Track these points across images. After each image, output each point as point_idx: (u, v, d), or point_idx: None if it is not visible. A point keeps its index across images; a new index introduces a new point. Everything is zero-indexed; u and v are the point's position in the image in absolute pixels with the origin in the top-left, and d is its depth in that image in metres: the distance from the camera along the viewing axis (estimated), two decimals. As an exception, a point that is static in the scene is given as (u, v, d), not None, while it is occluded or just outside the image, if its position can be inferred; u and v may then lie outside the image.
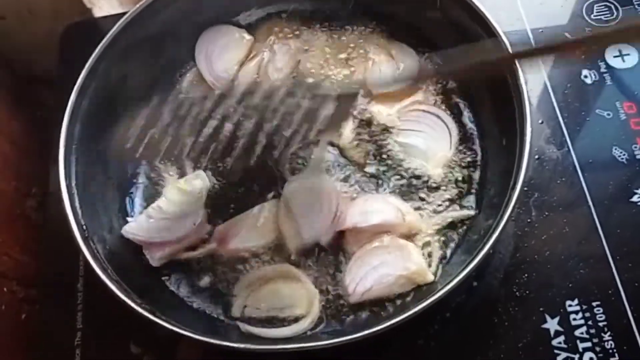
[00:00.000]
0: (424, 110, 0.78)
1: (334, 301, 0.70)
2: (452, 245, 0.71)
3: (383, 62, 0.82)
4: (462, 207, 0.73)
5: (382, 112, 0.78)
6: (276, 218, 0.73)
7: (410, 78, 0.72)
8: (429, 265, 0.69)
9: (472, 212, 0.71)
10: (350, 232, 0.72)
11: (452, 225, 0.72)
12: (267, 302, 0.70)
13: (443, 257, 0.70)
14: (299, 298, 0.69)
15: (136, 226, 0.72)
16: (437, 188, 0.74)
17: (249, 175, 0.76)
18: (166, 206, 0.73)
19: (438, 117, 0.77)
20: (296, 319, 0.68)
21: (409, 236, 0.71)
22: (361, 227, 0.70)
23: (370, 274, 0.68)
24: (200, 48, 0.85)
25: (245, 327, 0.68)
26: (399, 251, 0.69)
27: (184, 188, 0.75)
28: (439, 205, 0.73)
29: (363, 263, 0.69)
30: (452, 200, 0.73)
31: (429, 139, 0.76)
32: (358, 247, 0.71)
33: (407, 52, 0.82)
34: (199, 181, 0.76)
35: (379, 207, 0.71)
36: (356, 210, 0.72)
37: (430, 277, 0.68)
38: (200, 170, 0.77)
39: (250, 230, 0.73)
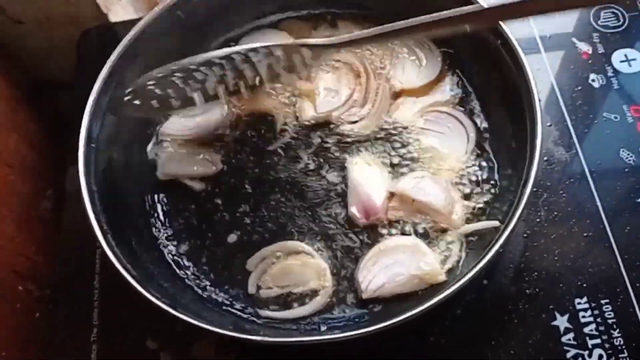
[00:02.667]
0: (446, 113, 0.79)
1: (347, 293, 0.71)
2: (466, 244, 0.72)
3: (407, 59, 0.84)
4: (488, 217, 0.73)
5: (404, 112, 0.80)
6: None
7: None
8: (444, 264, 0.70)
9: (497, 223, 0.68)
10: (391, 200, 0.74)
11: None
12: (279, 281, 0.71)
13: (459, 258, 0.71)
14: (310, 272, 0.71)
15: (169, 127, 0.81)
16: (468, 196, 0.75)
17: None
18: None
19: (459, 120, 0.79)
20: (311, 297, 0.70)
21: (439, 230, 0.72)
22: (407, 196, 0.72)
23: (383, 272, 0.69)
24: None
25: (265, 312, 0.70)
26: (412, 251, 0.70)
27: None
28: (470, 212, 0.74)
29: (377, 261, 0.70)
30: (482, 209, 0.74)
31: (446, 140, 0.77)
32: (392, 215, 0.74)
33: (430, 48, 0.84)
34: None
35: (432, 189, 0.72)
36: (412, 180, 0.73)
37: (442, 278, 0.68)
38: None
39: (376, 189, 0.74)
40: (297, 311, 0.70)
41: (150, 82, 0.72)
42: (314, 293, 0.70)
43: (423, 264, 0.69)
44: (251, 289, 0.72)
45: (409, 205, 0.73)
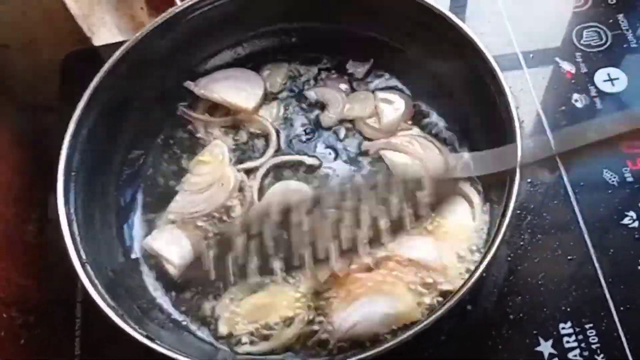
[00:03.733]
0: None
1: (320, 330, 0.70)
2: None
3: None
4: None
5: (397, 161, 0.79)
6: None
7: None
8: (421, 300, 0.69)
9: None
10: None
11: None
12: (252, 316, 0.71)
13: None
14: (280, 300, 0.70)
15: (176, 206, 0.78)
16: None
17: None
18: (194, 180, 0.79)
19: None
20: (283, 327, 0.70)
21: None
22: (400, 256, 0.71)
23: (357, 311, 0.68)
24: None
25: (241, 348, 0.69)
26: (389, 290, 0.69)
27: (205, 159, 0.80)
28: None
29: (351, 300, 0.69)
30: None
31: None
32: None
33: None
34: (217, 148, 0.81)
35: (418, 245, 0.71)
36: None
37: (417, 317, 0.67)
38: (217, 140, 0.82)
39: None
40: (270, 343, 0.69)
41: None
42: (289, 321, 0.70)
43: (399, 303, 0.67)
44: (222, 330, 0.71)
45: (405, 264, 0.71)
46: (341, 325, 0.67)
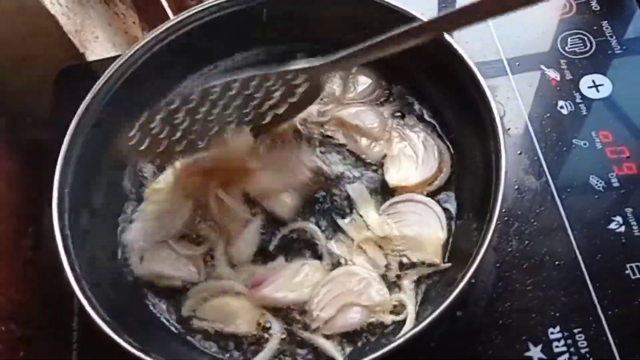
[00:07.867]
0: (405, 201, 0.77)
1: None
2: (433, 277, 0.73)
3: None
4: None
5: (370, 216, 0.77)
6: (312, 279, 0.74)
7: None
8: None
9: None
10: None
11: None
12: (213, 315, 0.73)
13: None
14: (243, 314, 0.72)
15: (133, 234, 0.78)
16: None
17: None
18: (149, 208, 0.79)
19: (424, 203, 0.77)
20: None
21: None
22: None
23: (335, 300, 0.70)
24: None
25: None
26: (364, 280, 0.72)
27: (160, 186, 0.80)
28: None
29: (328, 290, 0.71)
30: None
31: (419, 225, 0.75)
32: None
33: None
34: (171, 176, 0.81)
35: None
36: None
37: (387, 319, 0.70)
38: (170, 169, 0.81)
39: (286, 282, 0.73)
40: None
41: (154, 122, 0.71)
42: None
43: (374, 294, 0.70)
44: (185, 312, 0.73)
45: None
46: (320, 315, 0.70)
